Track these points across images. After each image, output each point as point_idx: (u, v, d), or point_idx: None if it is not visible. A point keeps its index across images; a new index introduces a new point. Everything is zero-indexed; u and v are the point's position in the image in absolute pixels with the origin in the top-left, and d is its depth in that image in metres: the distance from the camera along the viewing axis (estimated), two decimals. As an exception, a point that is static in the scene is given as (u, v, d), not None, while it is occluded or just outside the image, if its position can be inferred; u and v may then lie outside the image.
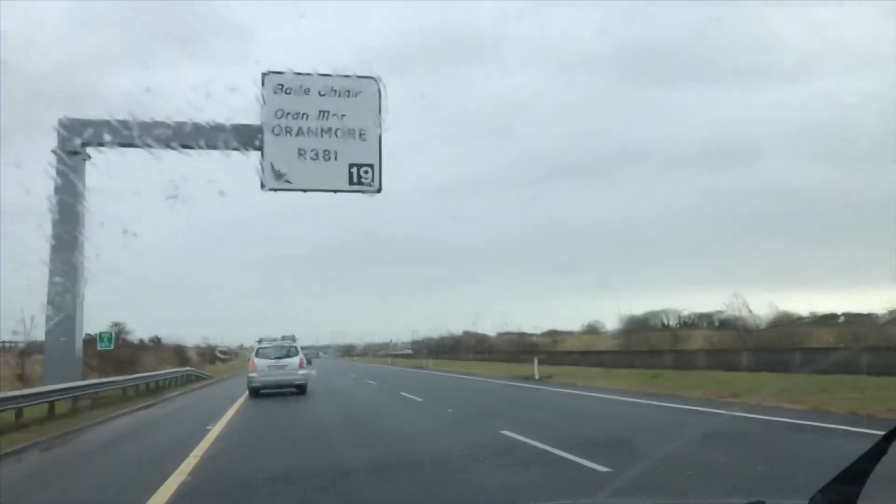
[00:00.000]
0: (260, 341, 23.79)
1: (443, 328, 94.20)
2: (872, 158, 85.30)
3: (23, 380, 24.25)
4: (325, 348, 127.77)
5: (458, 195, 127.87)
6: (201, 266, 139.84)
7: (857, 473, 1.58)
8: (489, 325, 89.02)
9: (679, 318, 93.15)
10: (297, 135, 20.76)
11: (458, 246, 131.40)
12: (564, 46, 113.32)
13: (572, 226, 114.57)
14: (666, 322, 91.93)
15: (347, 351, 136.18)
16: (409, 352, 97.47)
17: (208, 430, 13.21)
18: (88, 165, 20.91)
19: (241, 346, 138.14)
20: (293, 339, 24.20)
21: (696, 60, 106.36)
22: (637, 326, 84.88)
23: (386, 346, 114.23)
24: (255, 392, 22.37)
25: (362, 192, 21.47)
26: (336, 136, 20.95)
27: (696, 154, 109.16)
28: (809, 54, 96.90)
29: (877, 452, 1.59)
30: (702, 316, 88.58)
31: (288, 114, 21.09)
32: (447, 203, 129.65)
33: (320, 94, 21.13)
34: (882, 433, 1.62)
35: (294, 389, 22.62)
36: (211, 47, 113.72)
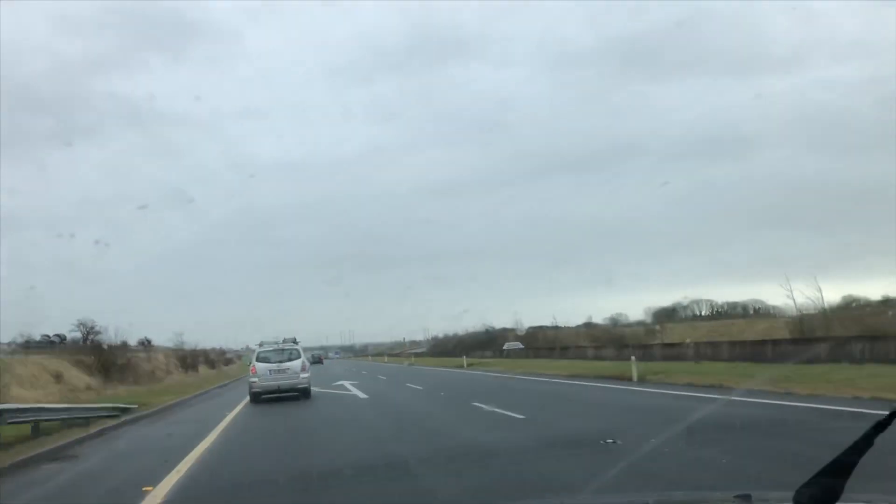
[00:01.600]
0: (261, 344, 23.31)
1: (456, 326, 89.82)
2: (868, 146, 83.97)
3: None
4: (336, 349, 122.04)
5: (455, 193, 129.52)
6: (200, 269, 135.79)
7: (842, 466, 1.50)
8: (493, 321, 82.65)
9: (712, 307, 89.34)
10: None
11: (456, 244, 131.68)
12: (554, 42, 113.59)
13: (570, 221, 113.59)
14: (698, 312, 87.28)
15: (358, 351, 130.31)
16: (424, 350, 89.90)
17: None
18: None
19: (247, 348, 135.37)
20: (294, 341, 23.55)
21: (687, 52, 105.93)
22: (665, 317, 79.81)
23: (402, 345, 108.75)
24: (257, 397, 21.87)
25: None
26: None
27: (692, 146, 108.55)
28: (801, 43, 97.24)
29: (864, 445, 1.51)
30: (734, 305, 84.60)
31: None
32: (444, 201, 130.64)
33: None
34: None
35: (297, 394, 22.23)
36: (199, 50, 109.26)
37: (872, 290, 68.41)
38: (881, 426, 1.50)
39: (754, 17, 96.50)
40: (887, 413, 1.52)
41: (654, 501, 2.76)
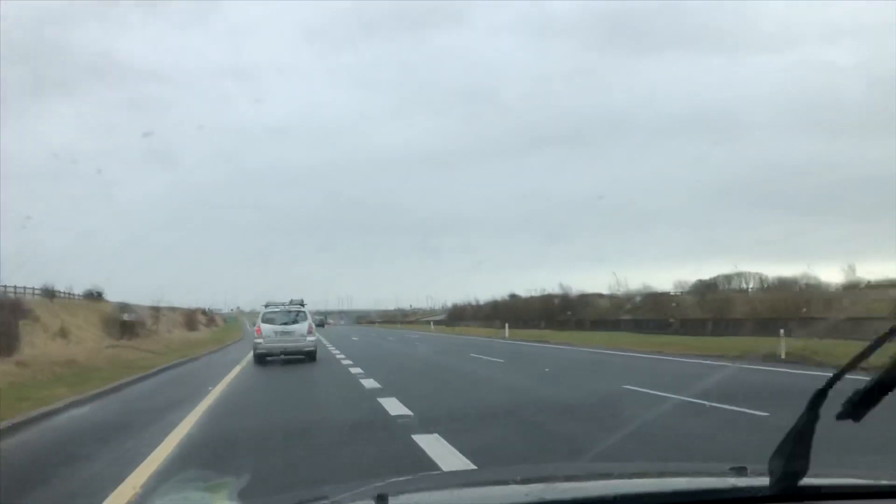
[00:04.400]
0: (266, 305, 22.91)
1: (460, 296, 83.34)
2: (859, 130, 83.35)
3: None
4: (334, 313, 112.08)
5: (444, 162, 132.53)
6: (185, 231, 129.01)
7: (802, 435, 1.51)
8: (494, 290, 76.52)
9: (762, 281, 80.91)
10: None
11: (448, 214, 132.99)
12: (540, 11, 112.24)
13: (563, 194, 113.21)
14: (745, 286, 79.17)
15: (359, 317, 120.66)
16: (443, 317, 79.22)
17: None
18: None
19: (238, 309, 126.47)
20: (301, 303, 23.03)
21: (675, 28, 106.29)
22: (707, 290, 71.56)
23: (410, 312, 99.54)
24: (261, 359, 21.62)
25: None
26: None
27: (682, 124, 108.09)
28: (792, 22, 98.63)
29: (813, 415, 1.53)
30: (782, 280, 76.22)
31: None
32: (432, 170, 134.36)
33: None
34: None
35: (302, 357, 21.61)
36: (179, 5, 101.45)
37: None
38: (822, 394, 1.46)
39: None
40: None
41: (646, 471, 2.64)
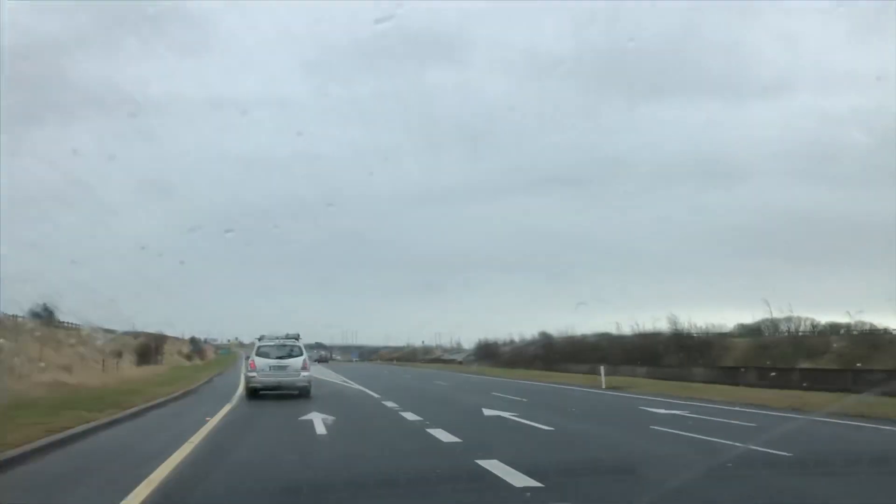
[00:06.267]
0: (261, 338, 22.93)
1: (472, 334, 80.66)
2: (858, 179, 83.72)
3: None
4: (351, 350, 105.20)
5: (445, 200, 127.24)
6: (185, 262, 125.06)
7: None
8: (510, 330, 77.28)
9: (813, 326, 73.69)
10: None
11: (452, 251, 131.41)
12: (540, 53, 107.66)
13: (559, 236, 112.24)
14: (794, 330, 73.84)
15: (367, 354, 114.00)
16: (458, 358, 71.86)
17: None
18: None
19: (237, 340, 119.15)
20: (297, 337, 22.98)
21: (674, 72, 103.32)
22: (751, 334, 64.67)
23: (424, 349, 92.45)
24: (254, 393, 21.65)
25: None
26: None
27: (681, 169, 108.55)
28: (790, 70, 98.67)
29: None
30: (833, 326, 68.62)
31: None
32: (434, 208, 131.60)
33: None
34: None
35: (295, 392, 21.73)
36: (175, 34, 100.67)
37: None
38: None
39: (743, 38, 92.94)
40: None
41: None
